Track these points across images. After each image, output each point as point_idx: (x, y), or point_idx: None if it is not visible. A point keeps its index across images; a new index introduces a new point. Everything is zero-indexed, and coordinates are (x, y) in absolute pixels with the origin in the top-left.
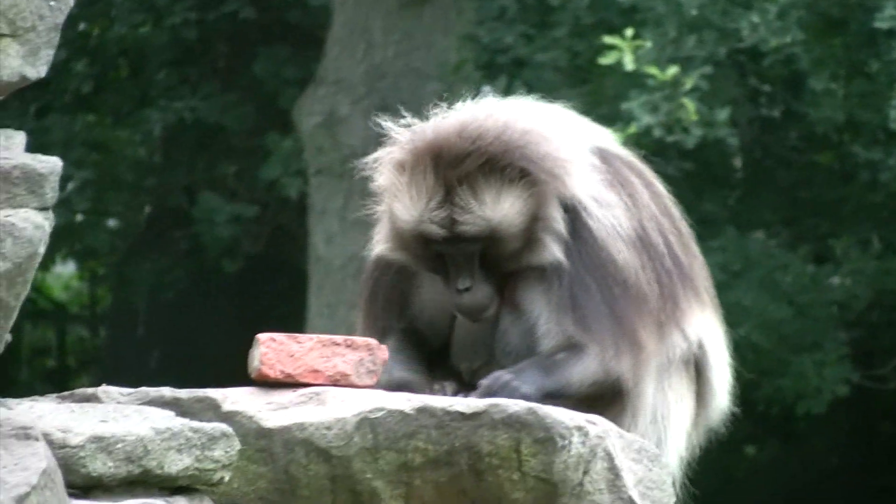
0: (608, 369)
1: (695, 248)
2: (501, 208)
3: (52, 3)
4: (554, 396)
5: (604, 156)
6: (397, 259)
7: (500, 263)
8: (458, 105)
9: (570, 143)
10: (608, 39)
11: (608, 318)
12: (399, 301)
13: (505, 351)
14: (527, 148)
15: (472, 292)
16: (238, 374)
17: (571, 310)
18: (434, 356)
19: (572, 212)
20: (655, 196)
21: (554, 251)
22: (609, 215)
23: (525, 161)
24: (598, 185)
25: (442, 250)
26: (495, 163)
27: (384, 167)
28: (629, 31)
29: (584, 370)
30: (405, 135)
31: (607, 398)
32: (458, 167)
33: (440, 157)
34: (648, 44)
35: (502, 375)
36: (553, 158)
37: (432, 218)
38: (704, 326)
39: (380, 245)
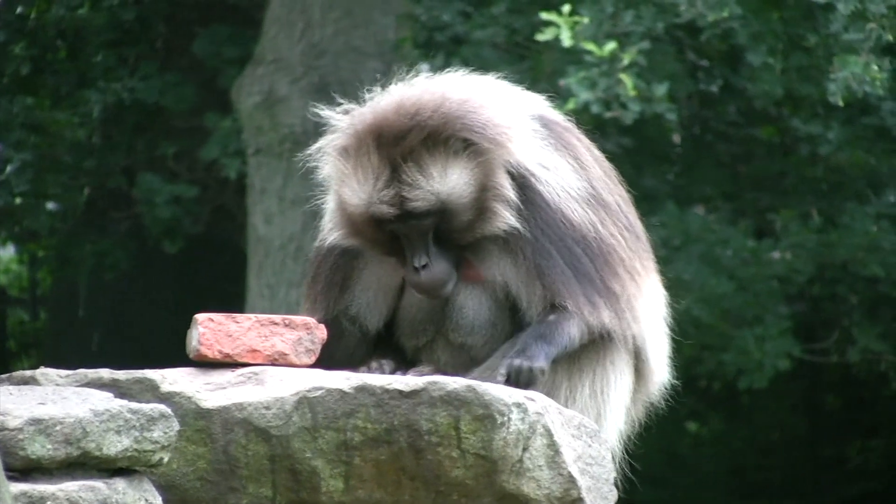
0: (590, 323)
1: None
2: (449, 181)
3: None
4: (559, 359)
5: (544, 122)
6: (351, 245)
7: (455, 237)
8: (394, 84)
9: (509, 111)
10: (546, 16)
11: (574, 279)
12: (340, 283)
13: (458, 324)
14: (466, 118)
15: (429, 270)
16: (179, 355)
17: (538, 277)
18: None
19: (520, 179)
20: (598, 159)
21: (507, 218)
22: (558, 178)
23: (467, 131)
24: (543, 149)
25: (395, 230)
26: (437, 136)
27: (328, 155)
28: (567, 7)
29: (574, 327)
30: (345, 120)
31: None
32: (401, 144)
33: (381, 137)
34: (586, 20)
35: (513, 362)
36: (494, 126)
37: (381, 198)
38: (653, 292)
39: (332, 233)
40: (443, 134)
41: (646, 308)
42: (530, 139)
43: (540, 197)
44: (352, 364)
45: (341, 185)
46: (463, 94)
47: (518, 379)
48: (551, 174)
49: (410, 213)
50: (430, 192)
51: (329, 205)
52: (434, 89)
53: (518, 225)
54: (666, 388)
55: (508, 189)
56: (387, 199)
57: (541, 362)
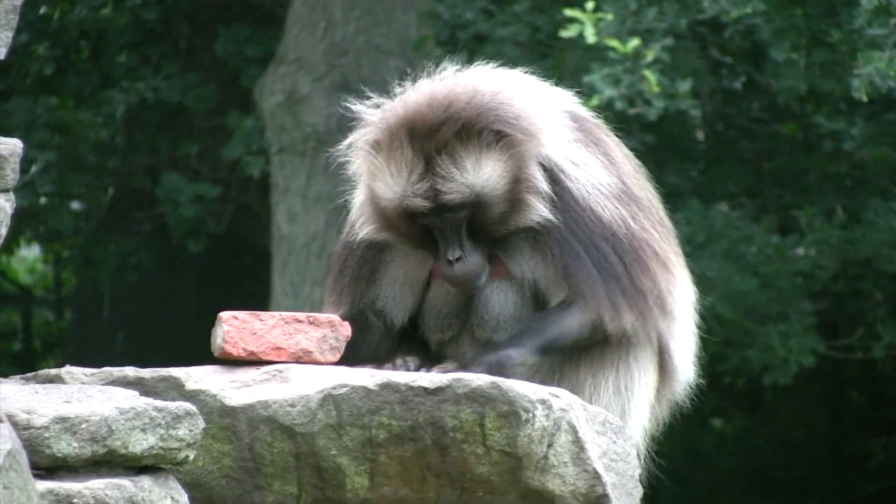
0: (607, 329)
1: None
2: (483, 173)
3: None
4: (551, 350)
5: (573, 117)
6: (382, 239)
7: (488, 229)
8: (423, 78)
9: (540, 104)
10: (569, 12)
11: (600, 280)
12: (367, 277)
13: (483, 319)
14: (499, 109)
15: (462, 262)
16: (203, 354)
17: (564, 277)
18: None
19: (550, 174)
20: (627, 156)
21: (540, 210)
22: (588, 174)
23: (500, 123)
24: (573, 144)
25: (428, 223)
26: (470, 128)
27: (359, 150)
28: (590, 4)
29: (573, 317)
30: (376, 114)
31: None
32: (434, 137)
33: (415, 130)
34: (609, 16)
35: (487, 356)
36: (527, 118)
37: (415, 192)
38: (685, 285)
39: (363, 228)
40: (476, 126)
41: (679, 298)
42: (561, 133)
43: (569, 194)
44: (376, 358)
45: (373, 179)
46: (494, 86)
47: (492, 371)
48: (581, 170)
49: (445, 205)
50: (465, 184)
51: (358, 199)
52: (465, 82)
53: (552, 217)
54: (691, 387)
55: (541, 181)
56: (421, 192)
57: (515, 353)
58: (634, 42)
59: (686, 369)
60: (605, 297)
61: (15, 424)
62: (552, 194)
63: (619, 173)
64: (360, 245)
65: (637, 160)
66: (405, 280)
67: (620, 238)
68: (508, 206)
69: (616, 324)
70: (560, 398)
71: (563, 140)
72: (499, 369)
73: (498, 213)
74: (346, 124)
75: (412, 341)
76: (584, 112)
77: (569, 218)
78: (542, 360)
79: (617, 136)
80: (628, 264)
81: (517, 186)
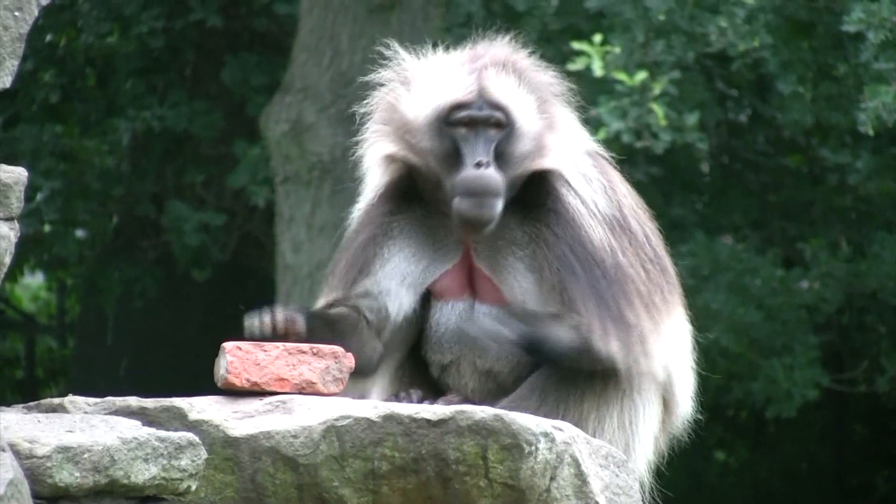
0: (597, 348)
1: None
2: (520, 97)
3: (16, 14)
4: (534, 349)
5: (585, 149)
6: (405, 158)
7: (513, 163)
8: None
9: (561, 117)
10: (577, 45)
11: (593, 300)
12: (363, 267)
13: (482, 347)
14: (530, 71)
15: (488, 168)
16: (207, 382)
17: (560, 293)
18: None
19: (550, 184)
20: (631, 193)
21: (562, 157)
22: (589, 190)
23: (530, 72)
24: (581, 161)
25: (459, 135)
26: (509, 66)
27: (395, 78)
28: (598, 37)
29: (562, 332)
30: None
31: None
32: (479, 60)
33: (461, 57)
34: (617, 49)
35: (482, 321)
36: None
37: (463, 84)
38: (674, 330)
39: (381, 147)
40: (511, 63)
41: (661, 346)
42: (573, 148)
43: (563, 207)
44: (361, 358)
45: (405, 94)
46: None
47: (479, 335)
48: (584, 188)
49: (488, 101)
50: (506, 91)
51: (374, 125)
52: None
53: (569, 165)
54: (689, 422)
55: (569, 133)
56: (468, 84)
57: (509, 333)
58: (642, 75)
59: (685, 404)
60: (596, 318)
61: (17, 453)
62: (548, 205)
63: (619, 204)
64: (360, 234)
65: (640, 192)
66: (403, 280)
67: (608, 267)
68: (534, 145)
69: (603, 345)
70: (563, 431)
71: (573, 154)
72: (491, 336)
73: (524, 149)
74: (351, 154)
75: (415, 375)
76: (596, 147)
77: (567, 235)
78: (521, 351)
79: (622, 168)
80: (615, 294)
81: (544, 132)
